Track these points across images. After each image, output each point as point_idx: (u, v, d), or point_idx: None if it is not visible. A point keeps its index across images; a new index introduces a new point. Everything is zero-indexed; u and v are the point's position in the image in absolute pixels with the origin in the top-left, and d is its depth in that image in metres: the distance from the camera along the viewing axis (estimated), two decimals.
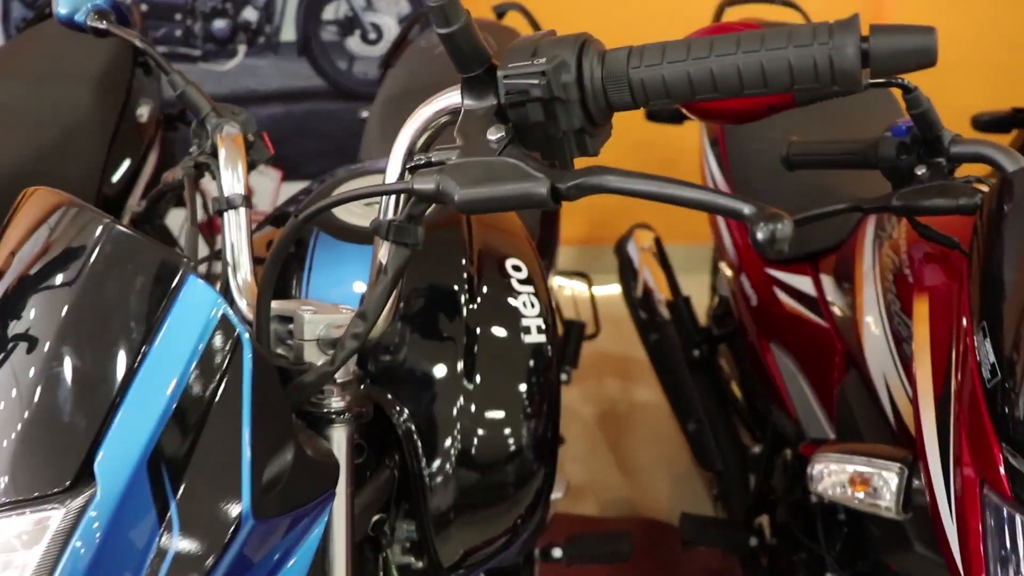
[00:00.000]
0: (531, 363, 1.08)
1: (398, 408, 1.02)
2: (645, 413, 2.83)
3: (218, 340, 0.67)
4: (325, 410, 0.81)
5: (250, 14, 3.44)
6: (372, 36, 3.43)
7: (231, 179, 0.97)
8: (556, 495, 1.86)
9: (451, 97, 0.77)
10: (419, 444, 1.02)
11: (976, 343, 0.87)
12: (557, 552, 1.78)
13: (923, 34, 0.62)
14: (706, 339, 2.23)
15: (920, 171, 1.12)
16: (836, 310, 1.63)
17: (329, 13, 3.44)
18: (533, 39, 0.71)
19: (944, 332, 1.09)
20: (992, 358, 0.83)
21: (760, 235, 0.59)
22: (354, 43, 3.51)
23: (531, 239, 1.23)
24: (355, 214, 1.11)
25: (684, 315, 2.23)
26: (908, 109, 1.08)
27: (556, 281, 2.60)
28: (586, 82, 0.68)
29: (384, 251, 0.79)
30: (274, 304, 0.81)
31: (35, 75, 2.03)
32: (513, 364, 1.07)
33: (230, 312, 0.68)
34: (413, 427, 1.02)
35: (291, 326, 0.84)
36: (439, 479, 1.03)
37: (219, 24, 3.36)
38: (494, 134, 0.70)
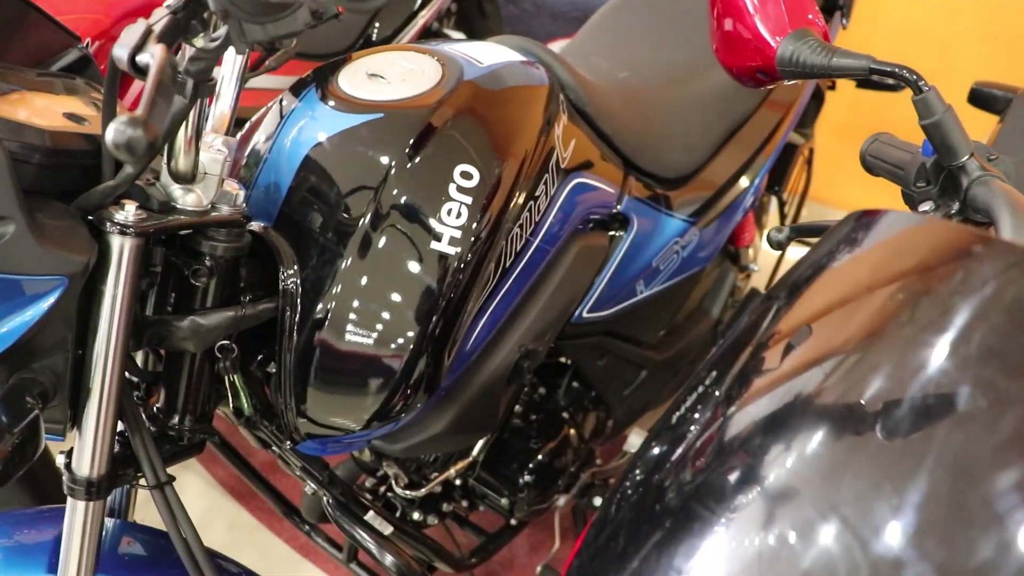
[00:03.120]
0: (428, 267, 1.05)
1: (291, 260, 1.05)
2: None
3: None
4: (108, 219, 0.87)
5: None
6: None
7: None
8: (635, 449, 1.78)
9: None
10: (298, 302, 1.05)
11: None
12: (597, 501, 1.72)
13: None
14: None
15: (924, 209, 0.85)
16: None
17: None
18: None
19: None
20: None
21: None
22: None
23: (534, 155, 1.15)
24: (358, 86, 1.12)
25: None
26: (919, 117, 0.82)
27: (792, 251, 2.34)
28: None
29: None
30: None
31: None
32: (406, 262, 1.04)
33: None
34: (298, 283, 1.05)
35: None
36: (305, 341, 1.05)
37: None
38: None
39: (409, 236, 1.04)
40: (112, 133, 0.59)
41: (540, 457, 1.56)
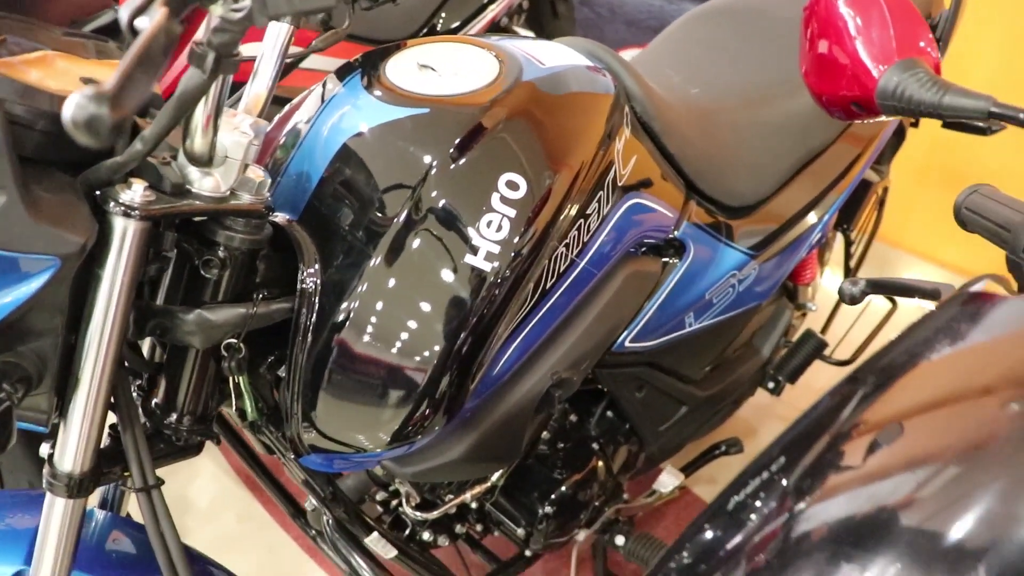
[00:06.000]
0: (460, 281, 0.95)
1: (312, 257, 0.97)
2: None
3: None
4: (113, 199, 0.79)
5: None
6: None
7: None
8: (666, 488, 1.68)
9: None
10: (316, 303, 0.97)
11: None
12: (620, 540, 1.61)
13: None
14: None
15: None
16: None
17: None
18: None
19: None
20: None
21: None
22: None
23: (590, 169, 1.05)
24: (406, 77, 1.04)
25: None
26: None
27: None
28: None
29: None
30: None
31: None
32: (437, 272, 0.95)
33: None
34: (318, 283, 0.97)
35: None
36: (320, 346, 0.97)
37: None
38: None
39: (444, 244, 0.95)
40: (71, 108, 0.50)
41: (564, 488, 1.46)
